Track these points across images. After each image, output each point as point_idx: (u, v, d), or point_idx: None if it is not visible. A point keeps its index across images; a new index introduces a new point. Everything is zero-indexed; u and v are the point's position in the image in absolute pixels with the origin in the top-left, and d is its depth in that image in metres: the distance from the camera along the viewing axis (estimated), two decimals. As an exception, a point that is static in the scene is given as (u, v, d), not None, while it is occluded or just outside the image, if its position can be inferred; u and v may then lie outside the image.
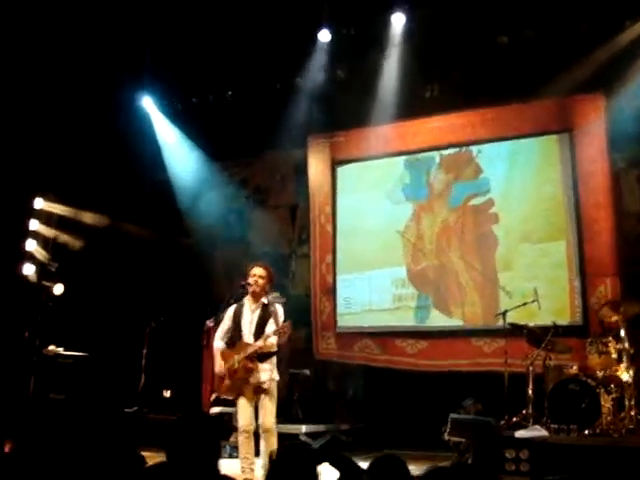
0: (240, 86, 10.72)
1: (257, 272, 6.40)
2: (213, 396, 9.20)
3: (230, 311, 6.46)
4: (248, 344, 6.18)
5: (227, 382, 6.25)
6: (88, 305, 10.55)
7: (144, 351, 9.81)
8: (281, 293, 9.91)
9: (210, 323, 9.36)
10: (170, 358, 10.53)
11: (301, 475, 2.35)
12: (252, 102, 10.69)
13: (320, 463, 2.75)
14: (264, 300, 6.37)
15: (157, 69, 10.50)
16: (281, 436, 6.71)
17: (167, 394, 10.29)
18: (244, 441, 6.23)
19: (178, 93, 11.01)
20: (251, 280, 6.34)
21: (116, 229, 11.03)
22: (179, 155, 11.33)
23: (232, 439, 8.20)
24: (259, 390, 6.19)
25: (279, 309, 6.42)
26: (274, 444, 6.18)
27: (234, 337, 6.33)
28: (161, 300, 10.93)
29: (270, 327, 6.20)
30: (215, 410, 8.59)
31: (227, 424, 8.40)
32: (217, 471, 2.93)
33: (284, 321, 6.20)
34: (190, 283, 11.49)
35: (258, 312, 6.32)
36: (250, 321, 6.31)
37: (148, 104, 11.09)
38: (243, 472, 6.06)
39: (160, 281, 11.27)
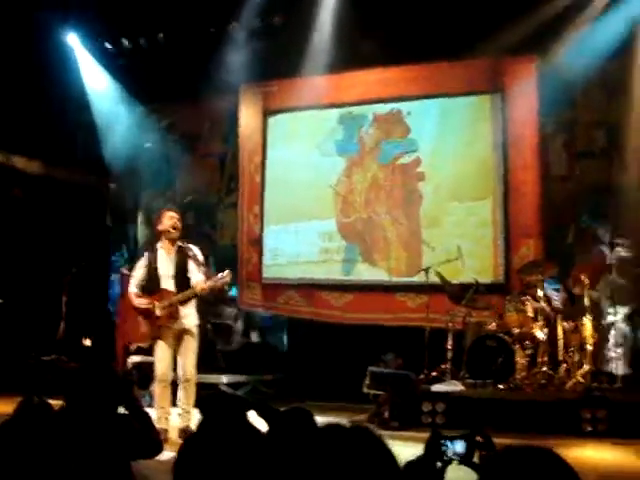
0: (173, 29, 10.34)
1: (176, 215, 6.30)
2: (134, 345, 9.11)
3: (143, 259, 6.33)
4: (170, 291, 6.09)
5: (144, 329, 6.17)
6: (7, 250, 10.19)
7: (64, 298, 9.56)
8: (207, 243, 9.82)
9: (125, 271, 9.19)
10: (90, 305, 10.33)
11: (232, 423, 2.30)
12: (185, 46, 10.34)
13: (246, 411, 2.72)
14: (179, 243, 6.24)
15: (84, 4, 10.03)
16: (201, 386, 6.68)
17: (87, 342, 10.10)
18: (162, 390, 6.17)
19: (107, 32, 10.54)
20: (172, 223, 6.22)
21: (39, 174, 10.65)
22: (106, 96, 10.91)
23: (152, 388, 8.13)
24: (181, 336, 6.10)
25: (196, 250, 6.31)
26: (193, 394, 6.13)
27: (151, 284, 6.20)
28: (83, 246, 10.65)
29: (192, 269, 6.11)
30: (135, 359, 8.47)
31: (147, 373, 8.30)
32: (116, 417, 2.91)
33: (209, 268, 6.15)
34: (112, 229, 11.27)
35: (174, 256, 6.21)
36: (167, 266, 6.19)
37: (73, 41, 10.60)
38: (159, 421, 5.98)
39: (83, 227, 10.97)
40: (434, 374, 7.80)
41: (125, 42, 10.63)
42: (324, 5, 9.45)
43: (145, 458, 3.07)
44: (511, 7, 8.68)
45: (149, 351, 8.90)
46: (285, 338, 10.12)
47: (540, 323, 7.45)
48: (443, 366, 7.83)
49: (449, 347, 7.83)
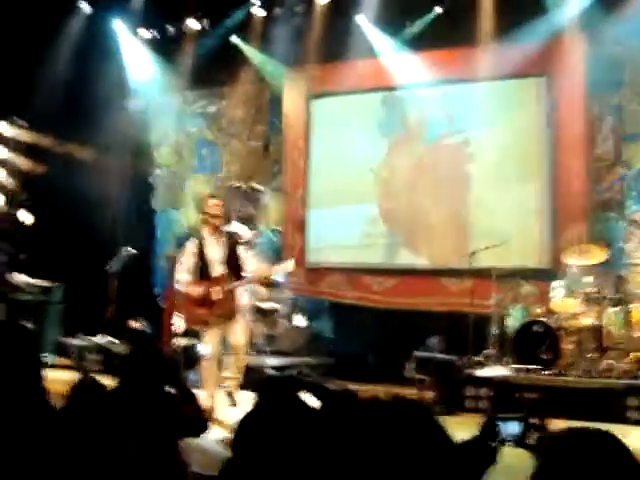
0: (216, 14, 10.43)
1: (219, 202, 6.44)
2: (181, 328, 9.28)
3: (190, 246, 6.42)
4: (224, 276, 6.20)
5: (200, 312, 6.27)
6: (57, 234, 10.42)
7: (114, 282, 9.76)
8: (252, 227, 9.92)
9: (174, 254, 9.37)
10: (138, 289, 10.52)
11: (287, 402, 2.36)
12: (228, 31, 10.44)
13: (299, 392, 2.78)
14: (226, 228, 6.47)
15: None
16: (247, 368, 6.81)
17: (134, 324, 10.29)
18: (210, 371, 6.34)
19: (150, 18, 10.66)
20: (217, 211, 6.34)
21: (89, 160, 10.85)
22: (152, 83, 11.06)
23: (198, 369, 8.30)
24: (233, 315, 6.25)
25: (242, 231, 6.48)
26: (243, 366, 6.43)
27: (202, 270, 6.31)
28: (131, 231, 10.85)
29: (243, 254, 6.31)
30: (182, 341, 8.62)
31: (193, 355, 8.45)
32: (165, 396, 3.01)
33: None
34: (160, 214, 11.47)
35: (222, 242, 6.34)
36: (217, 252, 6.31)
37: (119, 27, 10.75)
38: (206, 400, 6.13)
39: (130, 212, 11.18)
40: (478, 359, 7.80)
41: (170, 28, 10.75)
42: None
43: (192, 436, 3.15)
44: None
45: (195, 333, 9.14)
46: (330, 322, 10.18)
47: (587, 309, 7.38)
48: (487, 351, 7.83)
49: (494, 332, 7.82)
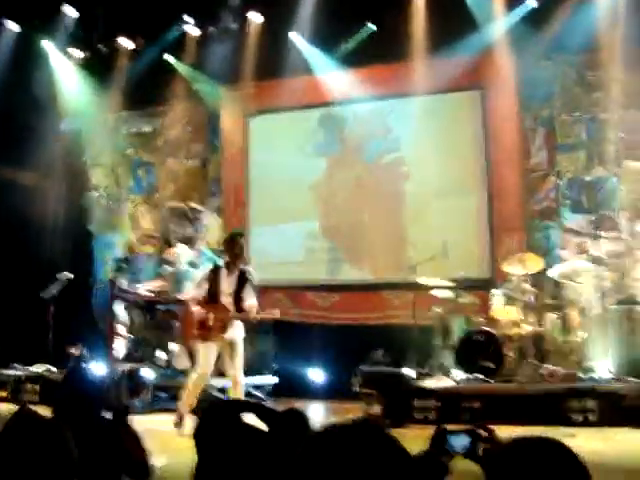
0: (149, 33, 10.34)
1: (244, 242, 7.09)
2: (121, 352, 9.09)
3: (208, 275, 6.91)
4: (226, 307, 6.66)
5: (196, 332, 6.75)
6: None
7: (51, 308, 9.50)
8: (191, 247, 9.80)
9: (113, 278, 9.23)
10: (77, 315, 10.26)
11: (230, 428, 2.31)
12: (162, 50, 10.36)
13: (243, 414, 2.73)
14: (241, 266, 6.85)
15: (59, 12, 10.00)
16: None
17: (74, 351, 10.02)
18: (197, 386, 6.72)
19: (84, 38, 10.51)
20: (241, 249, 6.86)
21: (19, 182, 10.58)
22: (85, 104, 10.85)
23: (142, 395, 8.12)
24: (230, 345, 6.69)
25: (252, 273, 7.07)
26: (242, 396, 6.77)
27: (210, 296, 6.76)
28: (68, 255, 10.60)
29: (249, 291, 6.76)
30: (123, 366, 8.44)
31: (136, 381, 8.27)
32: (103, 421, 2.91)
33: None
34: (96, 237, 11.24)
35: (235, 276, 6.77)
36: (228, 284, 6.75)
37: (49, 47, 10.53)
38: (181, 407, 6.61)
39: (67, 235, 10.93)
40: (423, 370, 7.85)
41: (102, 47, 10.60)
42: (304, 4, 9.46)
43: (132, 478, 3.01)
44: (489, 5, 8.81)
45: (139, 358, 8.95)
46: (273, 340, 10.09)
47: (527, 316, 7.52)
48: (432, 362, 7.88)
49: (437, 343, 7.89)
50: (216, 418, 2.54)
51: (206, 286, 6.83)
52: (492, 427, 2.17)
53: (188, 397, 6.68)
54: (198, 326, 6.74)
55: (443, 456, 2.07)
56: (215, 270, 6.94)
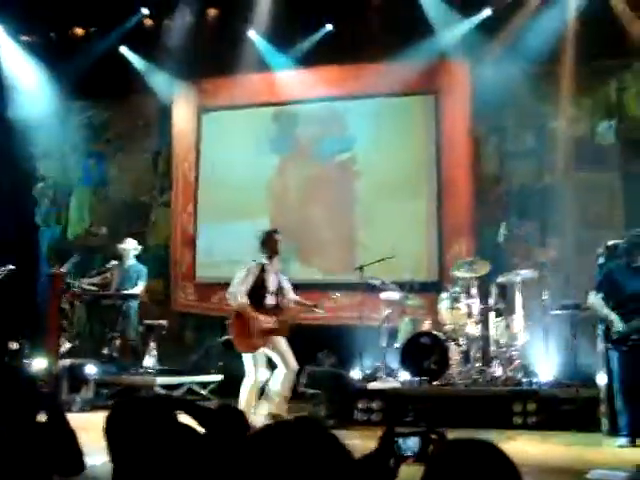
0: (105, 22, 10.15)
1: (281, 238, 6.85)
2: (66, 346, 8.91)
3: (254, 270, 6.66)
4: (274, 310, 6.60)
5: (255, 340, 6.49)
6: None
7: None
8: (140, 243, 9.64)
9: (56, 270, 9.01)
10: (19, 308, 10.01)
11: (160, 424, 2.27)
12: (117, 41, 10.19)
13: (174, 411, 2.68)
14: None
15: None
16: (136, 388, 6.62)
17: (14, 346, 9.78)
18: (253, 394, 6.50)
19: (35, 25, 10.26)
20: (279, 245, 6.77)
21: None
22: (34, 91, 10.59)
23: (83, 393, 7.97)
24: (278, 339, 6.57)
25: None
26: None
27: (257, 298, 6.58)
28: (12, 247, 10.33)
29: (288, 287, 6.83)
30: (65, 361, 8.27)
31: (78, 376, 8.11)
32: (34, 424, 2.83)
33: None
34: (41, 229, 10.99)
35: (276, 274, 6.76)
36: (272, 283, 6.69)
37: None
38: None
39: (11, 227, 10.64)
40: (369, 372, 7.86)
41: (54, 35, 10.38)
42: (261, 1, 9.41)
43: (64, 476, 2.93)
44: (446, 11, 8.90)
45: (80, 353, 8.78)
46: (219, 338, 10.01)
47: (473, 320, 7.59)
48: (378, 364, 7.91)
49: (383, 345, 7.91)
50: (128, 414, 2.48)
51: (249, 286, 6.59)
52: (443, 430, 2.14)
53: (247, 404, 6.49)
54: (256, 332, 6.49)
55: (391, 458, 2.03)
56: (261, 268, 6.69)
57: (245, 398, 6.54)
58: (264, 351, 6.56)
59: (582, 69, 8.69)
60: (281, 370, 6.57)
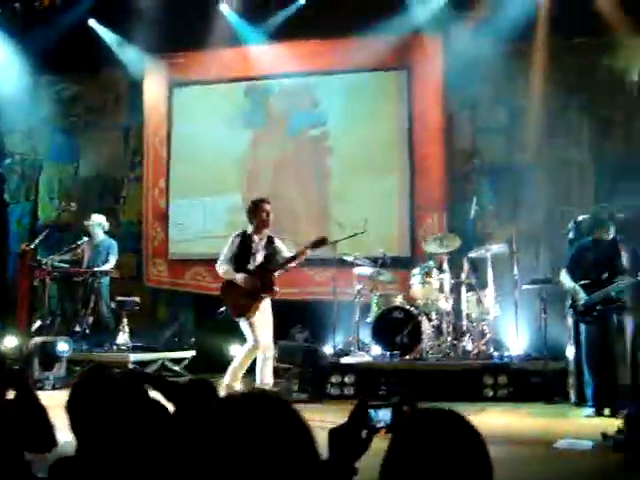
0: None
1: (270, 208, 6.81)
2: (37, 324, 8.85)
3: (237, 240, 6.76)
4: (269, 269, 6.64)
5: (244, 301, 6.57)
6: None
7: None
8: (111, 218, 9.57)
9: (26, 247, 8.91)
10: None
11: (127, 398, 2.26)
12: (86, 14, 10.00)
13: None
14: (268, 233, 6.77)
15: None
16: (109, 366, 6.58)
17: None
18: (252, 357, 6.61)
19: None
20: (268, 215, 6.74)
21: None
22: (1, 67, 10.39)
23: (55, 370, 7.91)
24: (264, 314, 6.67)
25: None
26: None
27: (241, 265, 6.65)
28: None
29: (283, 249, 6.82)
30: (37, 339, 8.20)
31: (50, 354, 8.04)
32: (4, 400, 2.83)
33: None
34: (10, 206, 10.83)
35: (264, 244, 6.72)
36: (260, 254, 6.69)
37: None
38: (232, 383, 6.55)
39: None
40: (341, 346, 7.92)
41: (17, 6, 10.13)
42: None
43: (38, 452, 2.92)
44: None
45: (53, 330, 8.71)
46: (193, 314, 10.00)
47: (445, 294, 7.66)
48: (350, 338, 7.96)
49: (356, 319, 7.96)
50: (92, 389, 2.47)
51: (235, 254, 6.68)
52: (414, 401, 2.14)
53: (236, 371, 6.62)
54: (244, 295, 6.59)
55: (363, 430, 2.03)
56: (244, 238, 6.76)
57: (238, 361, 6.67)
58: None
59: (555, 46, 8.72)
60: (248, 343, 6.67)
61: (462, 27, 8.88)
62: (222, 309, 7.02)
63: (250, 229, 6.78)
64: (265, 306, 6.71)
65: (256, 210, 6.77)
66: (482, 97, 9.13)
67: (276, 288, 6.68)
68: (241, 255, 6.69)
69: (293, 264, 6.75)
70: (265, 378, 6.63)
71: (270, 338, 6.75)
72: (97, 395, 2.33)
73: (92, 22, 10.09)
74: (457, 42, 8.91)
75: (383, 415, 2.02)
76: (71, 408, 2.37)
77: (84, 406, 2.32)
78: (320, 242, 6.72)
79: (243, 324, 6.66)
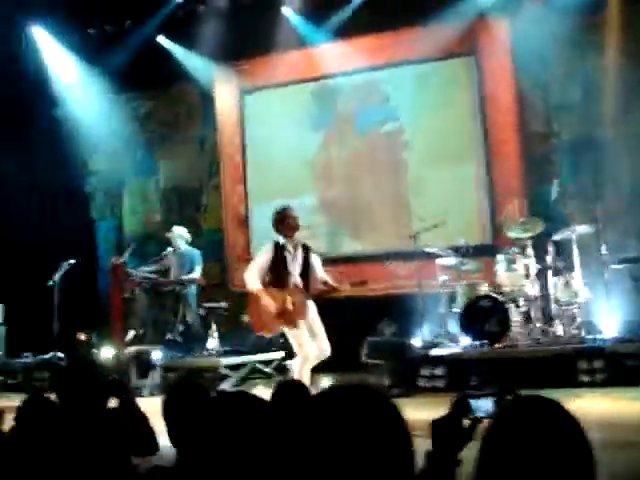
0: (138, 16, 10.26)
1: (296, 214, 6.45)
2: (131, 334, 9.14)
3: (270, 251, 6.33)
4: (300, 289, 6.22)
5: (277, 321, 6.19)
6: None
7: (56, 295, 9.52)
8: (193, 227, 9.80)
9: (116, 261, 9.20)
10: (82, 300, 10.30)
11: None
12: (154, 31, 10.30)
13: None
14: (302, 241, 6.45)
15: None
16: (201, 370, 6.77)
17: (82, 337, 10.07)
18: (307, 368, 6.18)
19: (73, 23, 10.41)
20: (296, 221, 6.37)
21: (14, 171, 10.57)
22: (79, 89, 10.80)
23: (150, 378, 8.16)
24: (312, 324, 6.29)
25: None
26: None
27: (279, 277, 6.26)
28: (71, 242, 10.61)
29: (318, 265, 6.42)
30: (131, 349, 8.49)
31: (145, 362, 8.31)
32: (106, 410, 2.95)
33: None
34: (97, 221, 11.25)
35: (300, 252, 6.35)
36: (294, 260, 6.29)
37: (40, 34, 10.45)
38: None
39: (68, 223, 10.93)
40: (430, 339, 7.88)
41: (92, 32, 10.52)
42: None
43: (141, 456, 3.04)
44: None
45: (146, 340, 9.00)
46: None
47: (531, 280, 7.52)
48: (438, 330, 7.91)
49: (442, 311, 7.91)
50: (184, 397, 2.55)
51: (264, 267, 6.28)
52: (516, 389, 2.13)
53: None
54: (277, 315, 6.18)
55: (464, 419, 2.03)
56: (277, 247, 6.32)
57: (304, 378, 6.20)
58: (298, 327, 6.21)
59: (628, 15, 8.42)
60: (295, 359, 6.34)
61: (529, 5, 8.69)
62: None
63: (281, 239, 6.35)
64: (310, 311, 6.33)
65: (282, 219, 6.38)
66: (554, 75, 8.91)
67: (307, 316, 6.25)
68: (277, 269, 6.28)
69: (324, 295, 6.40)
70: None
71: (323, 341, 6.37)
72: (188, 405, 2.42)
73: (160, 38, 10.37)
74: (524, 21, 8.73)
75: (484, 405, 2.02)
76: (166, 418, 2.47)
77: (177, 416, 2.42)
78: (361, 283, 6.66)
79: (290, 335, 6.32)
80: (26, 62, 10.17)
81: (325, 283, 6.40)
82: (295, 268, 6.29)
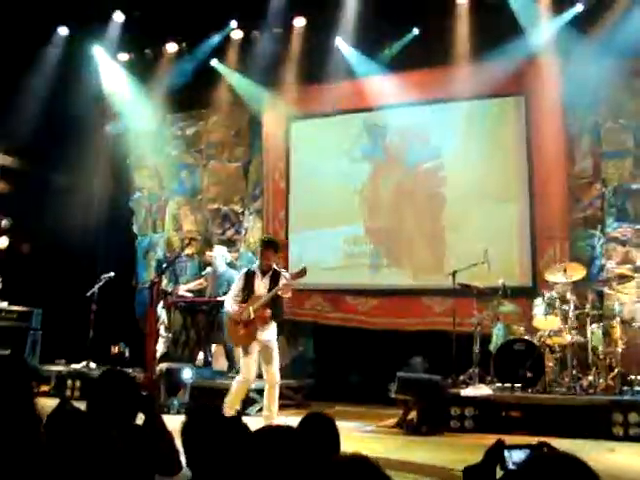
0: (193, 37, 10.47)
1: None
2: (159, 352, 9.19)
3: (243, 277, 7.00)
4: (260, 295, 6.76)
5: (242, 332, 6.78)
6: (36, 259, 10.35)
7: (93, 306, 9.66)
8: (233, 250, 9.87)
9: (155, 279, 9.28)
10: (119, 314, 10.42)
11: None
12: (206, 55, 10.49)
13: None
14: (274, 267, 6.93)
15: (107, 18, 10.20)
16: (223, 392, 6.82)
17: (115, 350, 10.18)
18: (241, 390, 6.83)
19: (131, 43, 10.67)
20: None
21: (65, 183, 10.81)
22: (130, 106, 11.03)
23: (180, 395, 8.19)
24: (265, 348, 6.74)
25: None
26: (277, 399, 6.80)
27: (246, 297, 6.87)
28: (112, 255, 10.78)
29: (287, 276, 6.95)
30: (162, 366, 8.54)
31: (175, 380, 8.36)
32: (134, 425, 2.97)
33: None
34: (138, 238, 11.41)
35: (269, 277, 6.85)
36: (261, 284, 6.84)
37: (98, 51, 10.73)
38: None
39: (111, 236, 11.12)
40: (461, 378, 7.78)
41: (148, 51, 10.75)
42: (347, 8, 9.46)
43: (163, 475, 3.05)
44: (535, 10, 8.71)
45: (178, 358, 9.06)
46: (312, 343, 10.12)
47: (569, 326, 7.39)
48: (471, 370, 7.81)
49: (476, 351, 7.81)
50: (201, 421, 2.56)
51: (241, 290, 6.92)
52: (552, 444, 2.09)
53: (232, 401, 6.73)
54: (242, 324, 6.77)
55: (499, 468, 2.00)
56: (248, 275, 6.97)
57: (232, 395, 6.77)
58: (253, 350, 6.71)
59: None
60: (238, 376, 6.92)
61: (581, 48, 8.62)
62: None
63: (254, 266, 7.09)
64: (267, 339, 6.76)
65: (279, 249, 7.19)
66: (604, 119, 8.83)
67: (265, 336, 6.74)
68: (246, 290, 6.90)
69: (280, 293, 6.78)
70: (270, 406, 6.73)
71: (271, 371, 6.77)
72: (205, 429, 2.43)
73: (214, 62, 10.55)
74: (576, 64, 8.64)
75: (518, 455, 1.99)
76: (184, 441, 2.48)
77: (194, 440, 2.43)
78: (300, 273, 6.89)
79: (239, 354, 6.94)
80: (83, 78, 10.40)
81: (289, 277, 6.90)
82: (262, 290, 6.81)
